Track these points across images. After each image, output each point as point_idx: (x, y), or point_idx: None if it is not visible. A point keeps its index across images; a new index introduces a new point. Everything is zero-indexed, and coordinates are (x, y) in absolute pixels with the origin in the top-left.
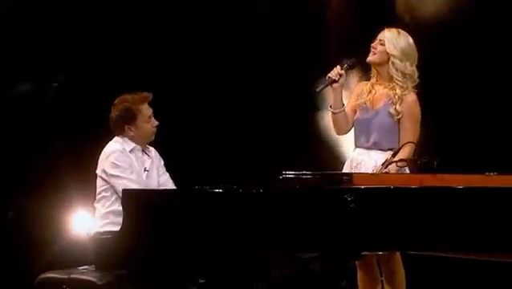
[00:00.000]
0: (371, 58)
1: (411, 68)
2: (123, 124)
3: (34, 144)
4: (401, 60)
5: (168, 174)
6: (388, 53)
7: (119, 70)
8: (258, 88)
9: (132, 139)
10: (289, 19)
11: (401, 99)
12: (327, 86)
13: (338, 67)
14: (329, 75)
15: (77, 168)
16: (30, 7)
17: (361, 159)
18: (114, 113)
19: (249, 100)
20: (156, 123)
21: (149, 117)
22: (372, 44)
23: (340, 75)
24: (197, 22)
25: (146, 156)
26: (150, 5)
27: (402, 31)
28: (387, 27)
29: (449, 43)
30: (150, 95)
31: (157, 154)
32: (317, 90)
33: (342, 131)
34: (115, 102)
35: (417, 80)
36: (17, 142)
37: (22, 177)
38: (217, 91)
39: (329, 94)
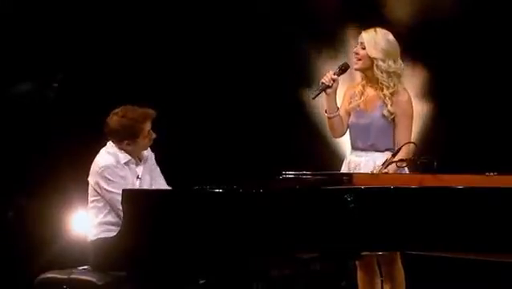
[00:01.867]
0: (356, 66)
1: (394, 66)
2: (123, 139)
3: (35, 144)
4: (384, 60)
5: (158, 169)
6: (369, 56)
7: (118, 70)
8: (258, 88)
9: (126, 151)
10: (288, 19)
11: (392, 99)
12: (321, 92)
13: (330, 72)
14: (322, 80)
15: (77, 169)
16: (30, 7)
17: (359, 161)
18: (114, 124)
19: (249, 100)
20: (154, 135)
21: (148, 132)
22: (354, 50)
23: (333, 80)
24: (195, 21)
25: (139, 164)
26: (149, 5)
27: (379, 29)
28: (364, 29)
29: (448, 43)
30: (154, 113)
31: (149, 151)
32: (312, 97)
33: (338, 134)
34: (118, 113)
35: (401, 75)
36: (17, 142)
37: (22, 177)
38: (217, 91)
39: (323, 98)
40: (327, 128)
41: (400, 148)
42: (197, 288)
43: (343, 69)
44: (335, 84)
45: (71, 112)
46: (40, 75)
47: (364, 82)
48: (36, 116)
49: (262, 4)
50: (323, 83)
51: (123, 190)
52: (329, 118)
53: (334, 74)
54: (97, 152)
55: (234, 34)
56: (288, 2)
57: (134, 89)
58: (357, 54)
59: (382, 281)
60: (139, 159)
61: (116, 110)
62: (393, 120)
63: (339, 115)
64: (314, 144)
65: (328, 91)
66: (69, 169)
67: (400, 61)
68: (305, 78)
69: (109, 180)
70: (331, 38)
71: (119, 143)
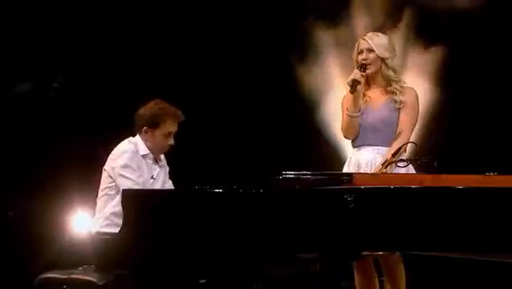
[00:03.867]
0: (368, 71)
1: (397, 63)
2: (144, 125)
3: (35, 144)
4: (392, 58)
5: (170, 181)
6: (380, 58)
7: (119, 71)
8: (258, 88)
9: (145, 144)
10: (289, 20)
11: (402, 91)
12: (355, 88)
13: (356, 70)
14: (353, 78)
15: (77, 169)
16: (30, 7)
17: (373, 156)
18: (145, 109)
19: (248, 100)
20: (172, 142)
21: (169, 134)
22: (362, 58)
23: (362, 76)
24: (195, 22)
25: (157, 165)
26: (149, 5)
27: (376, 33)
28: (363, 36)
29: (446, 42)
30: (182, 117)
31: (165, 162)
32: (352, 93)
33: (352, 134)
34: (153, 102)
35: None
36: (17, 142)
37: (22, 177)
38: (217, 91)
39: (344, 98)
40: (328, 127)
41: (400, 148)
42: (197, 288)
43: (364, 66)
44: (362, 80)
45: (72, 112)
46: (40, 75)
47: (365, 88)
48: (36, 115)
49: (261, 6)
50: (354, 80)
51: (123, 190)
52: (352, 117)
53: (360, 70)
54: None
55: (233, 35)
56: None
57: (134, 90)
58: (366, 59)
59: (381, 281)
60: (156, 161)
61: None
62: (399, 110)
63: (360, 115)
64: (314, 143)
65: (358, 87)
66: (69, 169)
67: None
68: (306, 77)
69: (126, 164)
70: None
71: (139, 131)
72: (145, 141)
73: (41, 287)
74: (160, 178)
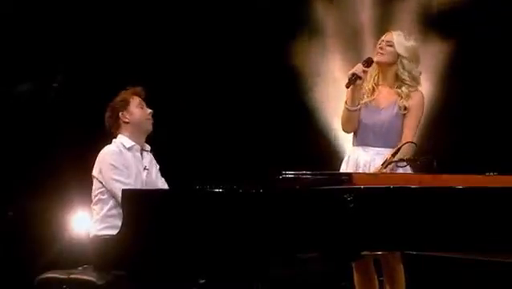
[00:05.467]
0: (380, 58)
1: (416, 70)
2: (118, 112)
3: (35, 144)
4: (409, 60)
5: (163, 179)
6: (397, 54)
7: (119, 70)
8: (258, 87)
9: (128, 133)
10: (289, 19)
11: (409, 95)
12: (353, 82)
13: (359, 64)
14: (354, 72)
15: (77, 169)
16: (30, 7)
17: (369, 157)
18: (108, 112)
19: (248, 100)
20: (150, 110)
21: (141, 104)
22: (379, 45)
23: (364, 72)
24: (195, 22)
25: (145, 153)
26: (149, 5)
27: (407, 35)
28: (392, 31)
29: (448, 40)
30: (141, 90)
31: (154, 159)
32: (346, 86)
33: (351, 128)
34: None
35: (420, 82)
36: (17, 142)
37: (22, 178)
38: (217, 90)
39: (347, 91)
40: (329, 127)
41: (399, 148)
42: (197, 288)
43: (369, 62)
44: (364, 76)
45: (72, 112)
46: (40, 75)
47: (376, 80)
48: (36, 115)
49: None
50: (354, 74)
51: (123, 190)
52: (349, 111)
53: (364, 65)
54: (98, 151)
55: (233, 34)
56: None
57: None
58: (381, 49)
59: (380, 281)
60: (143, 150)
61: None
62: (403, 116)
63: (359, 109)
64: (314, 143)
65: (358, 82)
66: (69, 169)
67: (419, 69)
68: (305, 77)
69: (113, 166)
70: None
71: (117, 123)
72: (127, 129)
73: (41, 287)
74: (152, 167)
